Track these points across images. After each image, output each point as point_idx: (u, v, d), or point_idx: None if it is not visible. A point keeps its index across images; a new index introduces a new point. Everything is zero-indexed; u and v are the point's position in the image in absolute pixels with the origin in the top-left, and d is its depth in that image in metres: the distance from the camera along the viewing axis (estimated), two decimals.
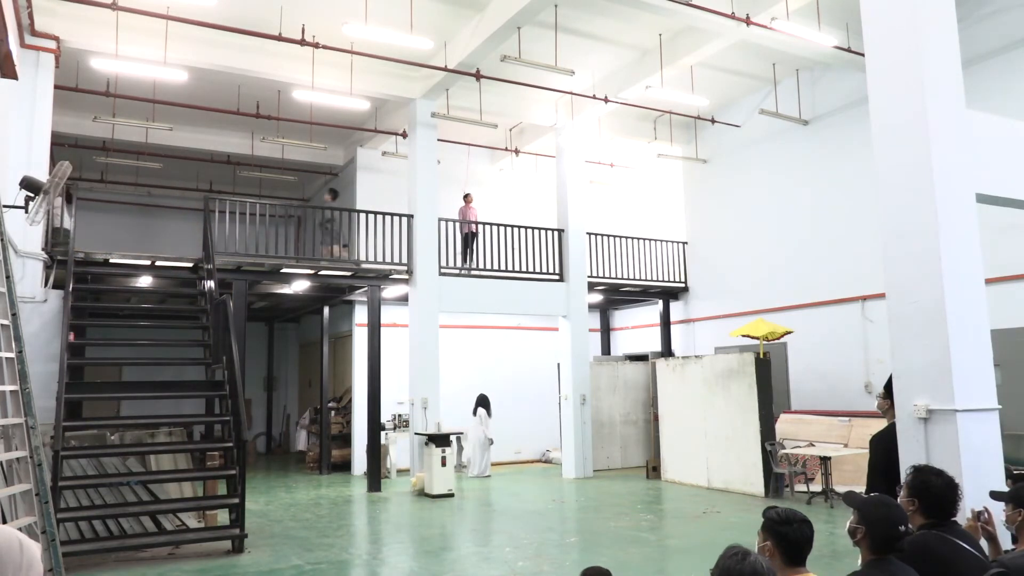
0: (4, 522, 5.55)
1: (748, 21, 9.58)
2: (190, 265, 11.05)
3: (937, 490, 3.22)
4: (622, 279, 14.67)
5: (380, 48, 10.85)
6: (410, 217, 12.43)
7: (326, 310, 15.10)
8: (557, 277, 13.64)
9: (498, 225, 13.36)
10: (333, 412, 14.62)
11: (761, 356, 11.12)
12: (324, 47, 10.18)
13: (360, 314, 13.82)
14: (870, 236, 10.65)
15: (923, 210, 5.02)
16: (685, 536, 8.29)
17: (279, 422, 18.87)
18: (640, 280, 14.81)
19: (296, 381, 18.78)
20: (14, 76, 7.07)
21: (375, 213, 12.45)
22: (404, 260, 12.38)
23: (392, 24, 10.14)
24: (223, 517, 8.55)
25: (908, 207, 5.13)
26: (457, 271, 13.02)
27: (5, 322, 5.96)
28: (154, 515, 8.07)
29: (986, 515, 3.73)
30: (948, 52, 5.27)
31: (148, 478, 8.25)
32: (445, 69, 11.15)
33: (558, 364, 13.85)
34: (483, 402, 13.81)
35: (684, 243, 15.31)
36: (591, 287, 14.16)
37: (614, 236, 14.75)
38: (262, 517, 9.57)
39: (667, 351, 15.06)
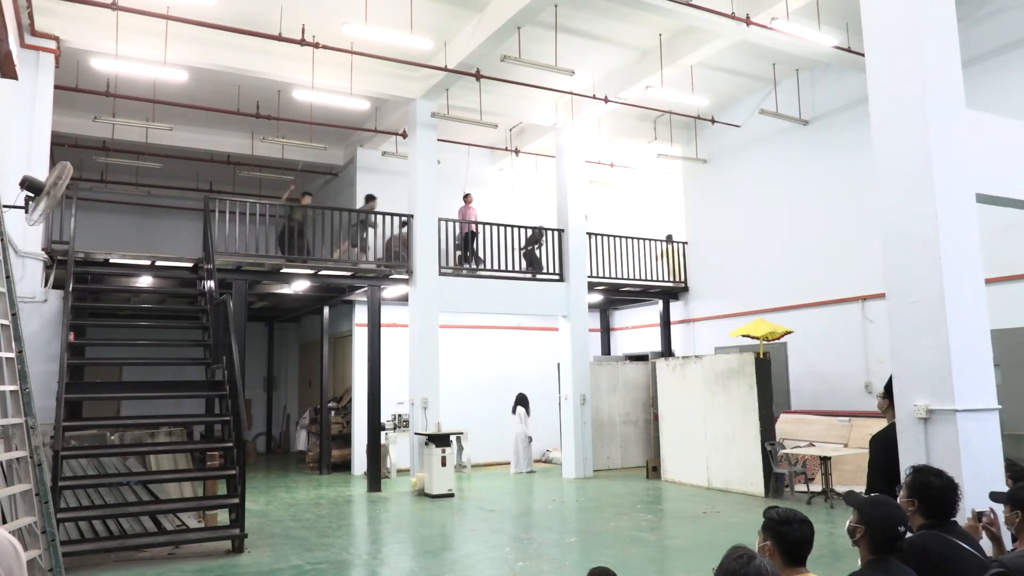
0: (4, 522, 5.56)
1: (748, 21, 9.58)
2: (190, 265, 11.04)
3: (937, 491, 3.22)
4: (622, 279, 14.67)
5: (380, 48, 10.84)
6: (410, 217, 12.43)
7: (326, 310, 15.10)
8: (557, 277, 13.65)
9: (498, 225, 13.37)
10: (333, 412, 14.62)
11: (761, 356, 11.12)
12: (324, 47, 10.18)
13: (360, 314, 13.82)
14: (870, 236, 10.66)
15: (923, 210, 5.02)
16: (685, 536, 8.29)
17: (279, 422, 18.87)
18: (640, 280, 14.81)
19: (296, 381, 18.78)
20: (14, 76, 7.07)
21: (375, 213, 12.46)
22: (404, 260, 12.38)
23: (392, 24, 10.15)
24: (223, 517, 8.55)
25: (908, 207, 5.14)
26: (452, 270, 13.03)
27: (5, 322, 5.96)
28: (154, 515, 8.07)
29: (990, 516, 3.73)
30: (948, 52, 5.28)
31: (148, 478, 8.25)
32: (445, 69, 11.15)
33: (558, 364, 13.86)
34: (522, 401, 14.10)
35: (684, 243, 15.31)
36: (591, 287, 14.16)
37: (614, 236, 14.76)
38: (262, 517, 9.57)
39: (667, 351, 15.06)
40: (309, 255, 12.29)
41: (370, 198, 13.36)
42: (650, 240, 15.09)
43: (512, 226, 13.55)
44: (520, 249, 13.86)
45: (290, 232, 12.15)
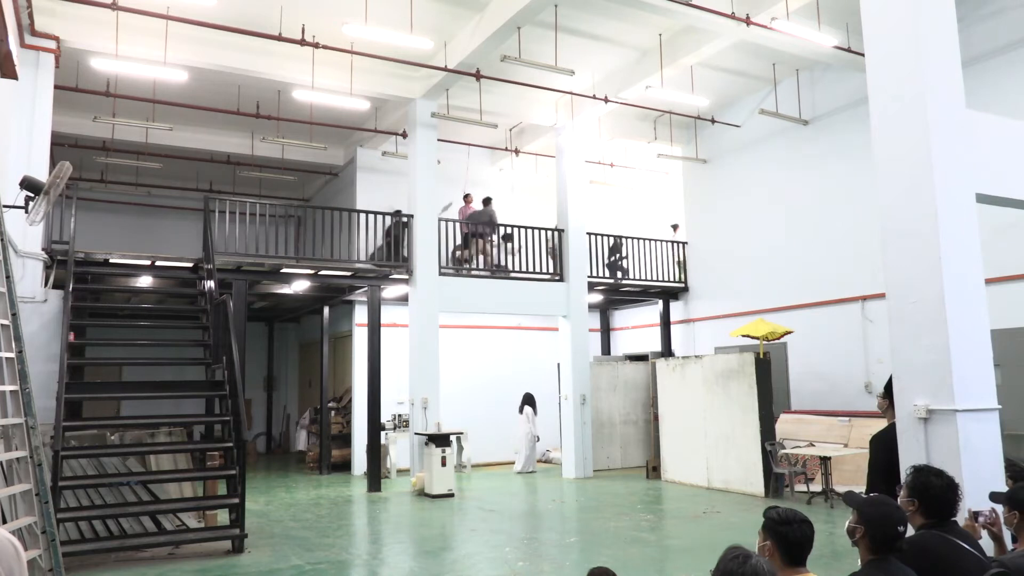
0: (4, 522, 5.56)
1: (748, 21, 9.58)
2: (190, 265, 11.05)
3: (937, 491, 3.22)
4: (622, 279, 14.66)
5: (380, 48, 10.85)
6: (410, 217, 12.43)
7: (326, 310, 15.10)
8: (557, 277, 13.65)
9: (498, 225, 13.36)
10: (333, 412, 14.62)
11: (761, 356, 11.12)
12: (324, 47, 10.18)
13: (360, 314, 13.82)
14: (870, 236, 10.64)
15: (923, 210, 5.02)
16: (685, 536, 8.29)
17: (279, 422, 18.87)
18: (640, 280, 14.81)
19: (296, 381, 18.78)
20: (14, 76, 7.06)
21: (375, 213, 12.46)
22: (404, 260, 12.38)
23: (392, 24, 10.15)
24: (223, 517, 8.55)
25: (908, 207, 5.14)
26: (456, 271, 13.04)
27: (5, 322, 5.96)
28: (154, 515, 8.06)
29: (990, 515, 3.73)
30: (948, 52, 5.28)
31: (148, 478, 8.25)
32: (445, 69, 11.15)
33: (558, 364, 13.86)
34: (529, 400, 14.19)
35: (684, 243, 15.31)
36: (591, 287, 14.16)
37: (614, 236, 14.75)
38: (262, 517, 9.57)
39: (667, 351, 15.05)
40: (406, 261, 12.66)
41: (487, 201, 13.84)
42: (650, 240, 15.09)
43: (512, 226, 13.56)
44: (605, 262, 14.51)
45: (397, 240, 12.80)
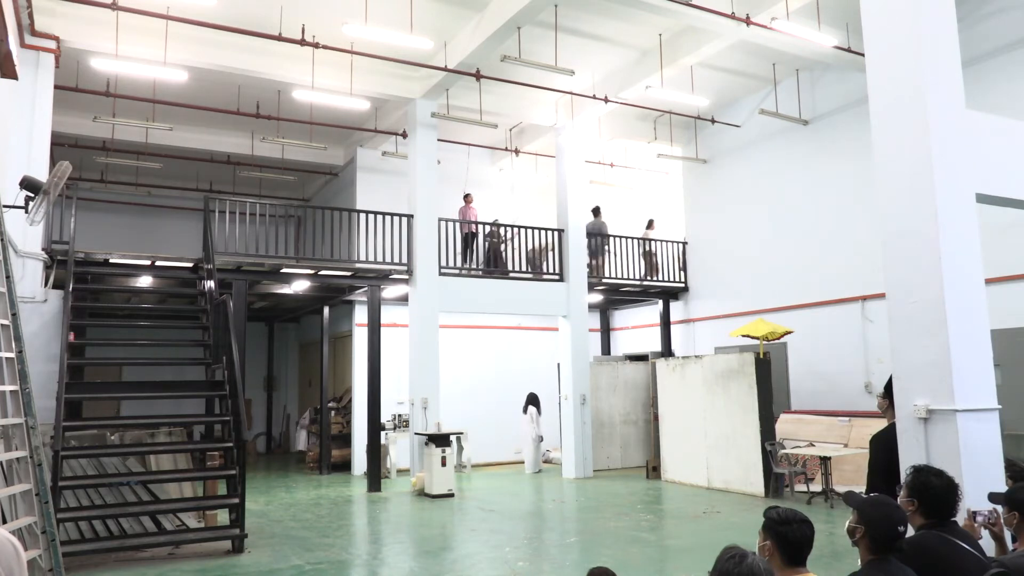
0: (4, 522, 5.56)
1: (748, 21, 9.57)
2: (190, 265, 11.05)
3: (937, 491, 3.23)
4: (622, 279, 14.67)
5: (380, 48, 10.85)
6: (410, 217, 12.43)
7: (326, 310, 15.10)
8: (557, 277, 13.65)
9: (498, 225, 13.36)
10: (333, 412, 14.62)
11: (761, 356, 11.12)
12: (324, 47, 10.18)
13: (360, 314, 13.82)
14: (870, 236, 10.66)
15: (923, 210, 5.02)
16: (685, 536, 8.29)
17: (279, 422, 18.87)
18: (640, 280, 14.81)
19: (296, 381, 18.78)
20: (14, 76, 7.07)
21: (375, 213, 12.46)
22: (404, 260, 12.38)
23: (392, 24, 10.15)
24: (223, 517, 8.55)
25: (908, 207, 5.14)
26: (457, 271, 13.04)
27: (5, 322, 5.96)
28: (154, 515, 8.07)
29: (992, 516, 3.73)
30: (948, 52, 5.28)
31: (148, 478, 8.25)
32: (445, 69, 11.15)
33: (558, 364, 13.86)
34: (533, 400, 14.20)
35: (684, 243, 15.31)
36: (591, 287, 14.16)
37: (614, 236, 14.75)
38: (262, 517, 9.57)
39: (667, 351, 15.05)
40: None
41: (597, 211, 14.46)
42: (650, 240, 15.09)
43: (512, 226, 13.56)
44: (680, 267, 15.21)
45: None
